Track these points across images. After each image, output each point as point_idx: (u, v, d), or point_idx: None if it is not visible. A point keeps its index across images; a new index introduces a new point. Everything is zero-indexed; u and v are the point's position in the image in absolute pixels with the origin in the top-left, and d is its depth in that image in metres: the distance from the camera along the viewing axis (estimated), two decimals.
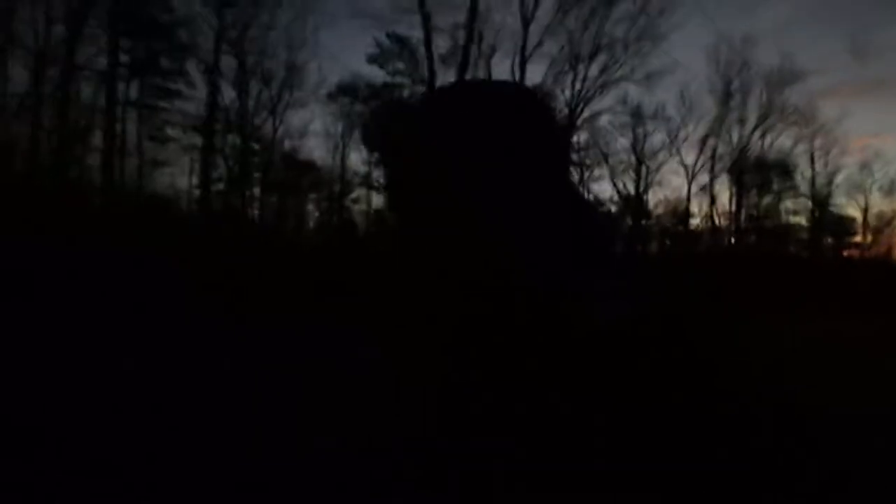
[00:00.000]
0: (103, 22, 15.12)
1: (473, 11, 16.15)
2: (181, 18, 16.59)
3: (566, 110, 18.45)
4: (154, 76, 17.08)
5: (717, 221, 22.87)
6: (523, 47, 17.18)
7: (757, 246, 21.99)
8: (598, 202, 20.35)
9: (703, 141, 21.85)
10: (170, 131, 17.69)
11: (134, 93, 17.12)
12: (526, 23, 17.24)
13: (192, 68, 17.20)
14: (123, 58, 16.18)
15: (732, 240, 22.91)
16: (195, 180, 18.00)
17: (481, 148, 0.93)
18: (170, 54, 17.14)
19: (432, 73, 15.77)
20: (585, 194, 18.91)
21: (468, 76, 15.76)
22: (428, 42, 16.01)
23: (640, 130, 21.61)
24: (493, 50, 16.92)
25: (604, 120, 20.78)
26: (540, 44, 17.39)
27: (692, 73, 34.19)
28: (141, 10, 16.04)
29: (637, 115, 21.24)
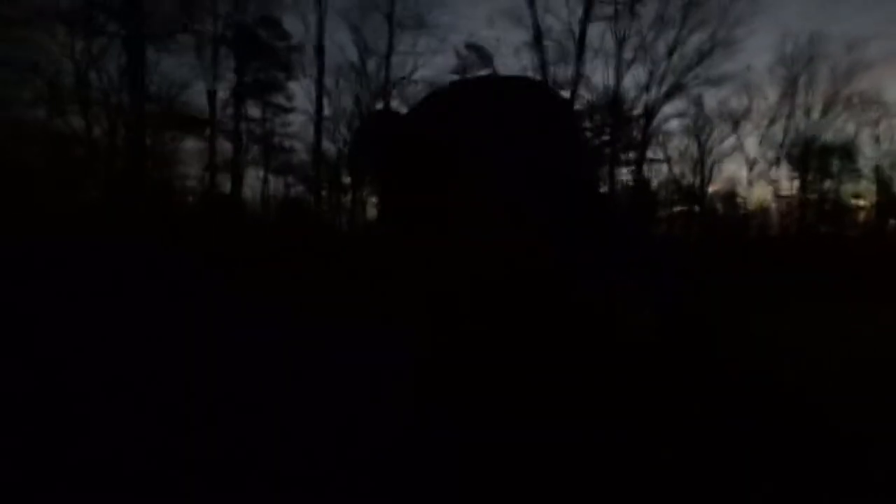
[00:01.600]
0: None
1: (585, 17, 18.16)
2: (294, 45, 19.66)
3: (641, 112, 20.32)
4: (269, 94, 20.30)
5: (774, 206, 23.84)
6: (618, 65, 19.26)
7: (814, 228, 22.77)
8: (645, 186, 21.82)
9: (766, 129, 22.90)
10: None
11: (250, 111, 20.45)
12: (621, 42, 19.27)
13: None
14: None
15: (789, 223, 23.79)
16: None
17: (492, 141, 0.61)
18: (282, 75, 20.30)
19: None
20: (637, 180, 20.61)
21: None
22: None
23: (703, 123, 22.87)
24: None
25: (669, 115, 22.35)
26: (634, 60, 19.48)
27: (757, 62, 34.69)
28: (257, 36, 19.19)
29: (700, 106, 22.52)
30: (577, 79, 19.15)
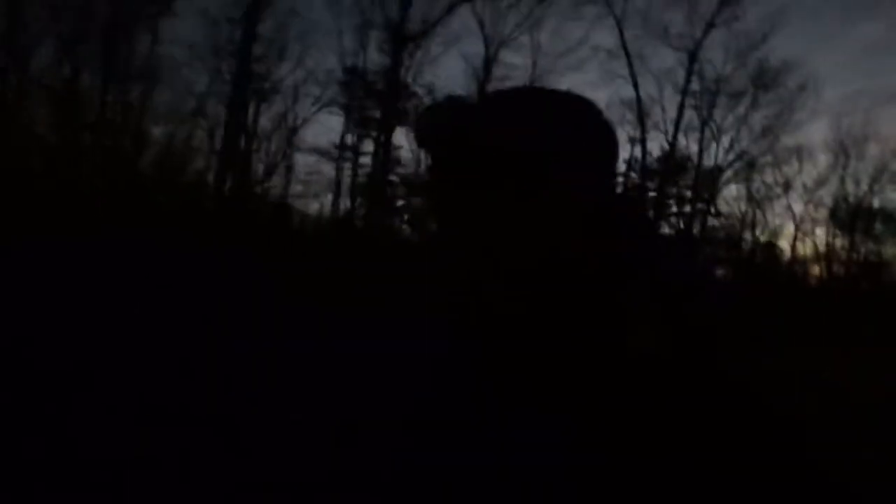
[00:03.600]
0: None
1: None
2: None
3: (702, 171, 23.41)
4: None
5: (815, 260, 25.89)
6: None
7: (850, 282, 24.53)
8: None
9: (814, 192, 25.28)
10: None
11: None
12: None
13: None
14: None
15: (826, 276, 25.69)
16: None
17: (542, 149, 0.55)
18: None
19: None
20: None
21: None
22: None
23: (760, 189, 25.48)
24: None
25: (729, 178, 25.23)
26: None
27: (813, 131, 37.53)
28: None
29: (756, 170, 25.18)
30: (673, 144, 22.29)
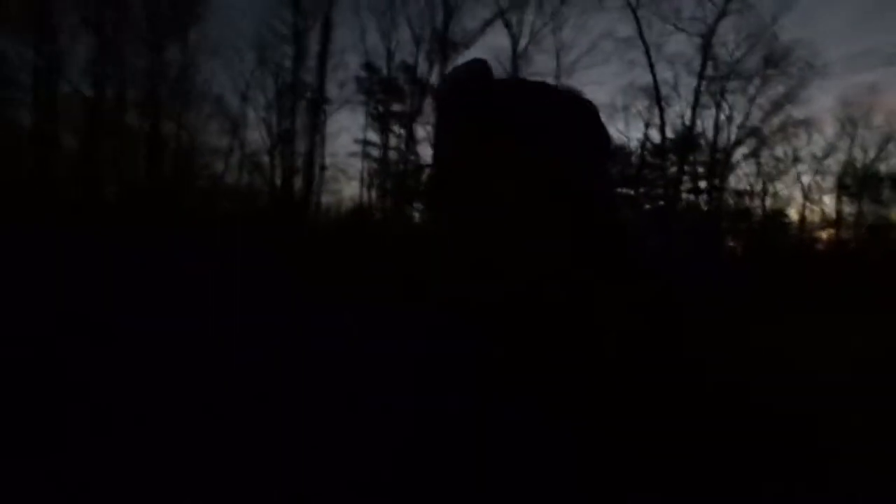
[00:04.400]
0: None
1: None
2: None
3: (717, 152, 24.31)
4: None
5: (821, 226, 26.86)
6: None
7: (858, 246, 25.45)
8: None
9: (821, 160, 26.06)
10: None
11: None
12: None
13: None
14: None
15: (835, 241, 26.65)
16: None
17: (541, 139, 0.57)
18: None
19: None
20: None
21: None
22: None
23: (770, 163, 26.24)
24: None
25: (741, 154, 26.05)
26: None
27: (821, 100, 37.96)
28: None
29: (767, 145, 25.94)
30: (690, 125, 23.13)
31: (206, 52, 28.32)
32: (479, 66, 0.65)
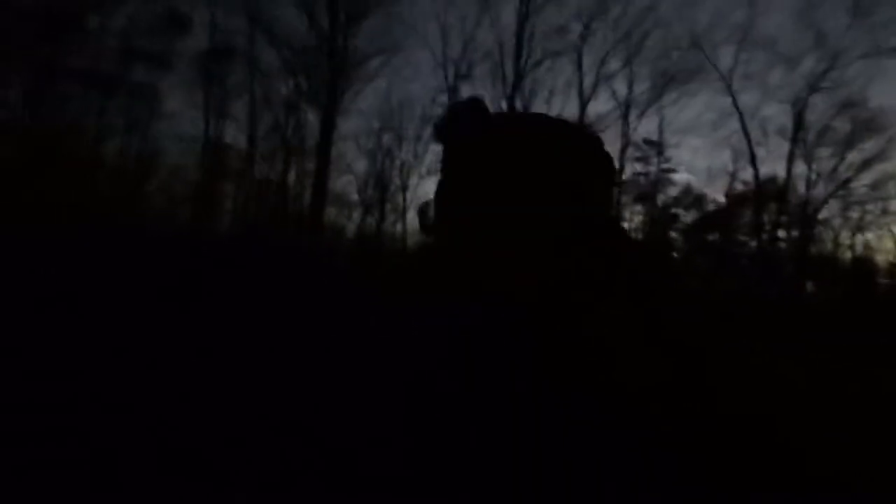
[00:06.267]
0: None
1: None
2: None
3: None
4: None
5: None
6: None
7: None
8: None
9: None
10: None
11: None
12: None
13: None
14: None
15: None
16: None
17: (546, 169, 0.59)
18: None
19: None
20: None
21: None
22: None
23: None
24: None
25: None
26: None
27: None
28: None
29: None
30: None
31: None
32: (477, 100, 0.68)
